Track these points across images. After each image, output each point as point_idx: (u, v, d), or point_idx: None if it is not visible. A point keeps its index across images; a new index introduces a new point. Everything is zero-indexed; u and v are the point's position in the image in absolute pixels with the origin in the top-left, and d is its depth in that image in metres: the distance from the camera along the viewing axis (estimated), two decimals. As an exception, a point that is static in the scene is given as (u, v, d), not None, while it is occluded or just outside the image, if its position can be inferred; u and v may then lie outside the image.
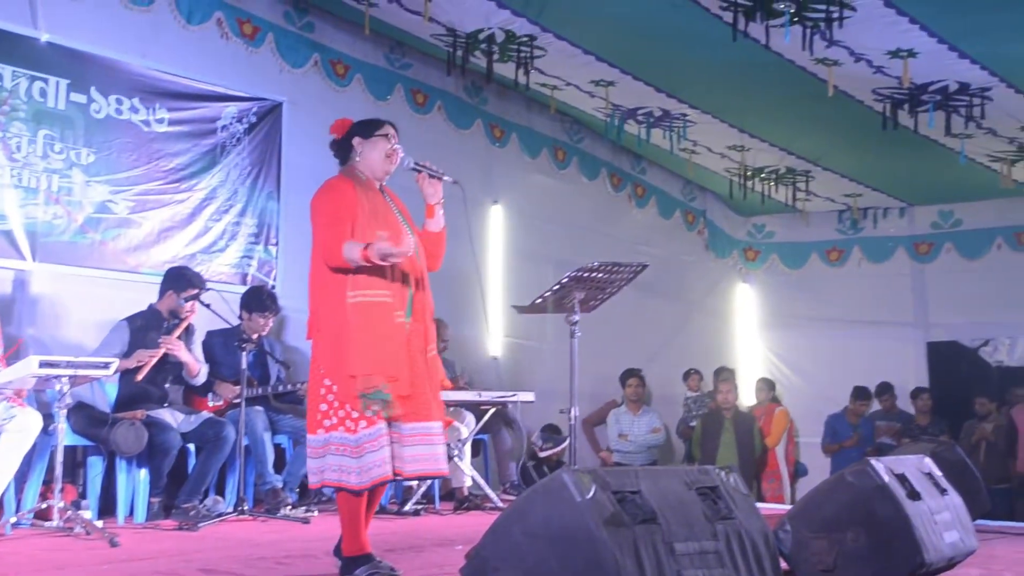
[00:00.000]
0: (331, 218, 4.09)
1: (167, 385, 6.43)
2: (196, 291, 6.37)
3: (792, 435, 10.69)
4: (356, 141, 4.28)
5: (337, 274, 4.05)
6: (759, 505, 4.05)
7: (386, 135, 4.29)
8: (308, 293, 4.19)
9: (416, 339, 4.15)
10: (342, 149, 4.34)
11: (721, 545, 3.52)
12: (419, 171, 4.33)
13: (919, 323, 11.90)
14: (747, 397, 11.05)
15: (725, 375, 10.50)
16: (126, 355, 6.13)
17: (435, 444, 4.12)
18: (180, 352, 6.30)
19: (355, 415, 3.98)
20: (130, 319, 6.32)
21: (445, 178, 4.35)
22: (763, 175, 10.96)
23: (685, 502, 3.58)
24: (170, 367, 6.36)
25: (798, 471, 10.77)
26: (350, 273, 4.03)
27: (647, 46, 8.00)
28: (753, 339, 12.76)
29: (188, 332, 6.48)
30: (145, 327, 6.31)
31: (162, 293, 6.46)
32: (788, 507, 5.86)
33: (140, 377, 6.10)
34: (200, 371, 6.47)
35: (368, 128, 4.30)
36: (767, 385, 11.01)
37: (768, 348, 12.62)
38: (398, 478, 4.11)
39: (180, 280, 6.41)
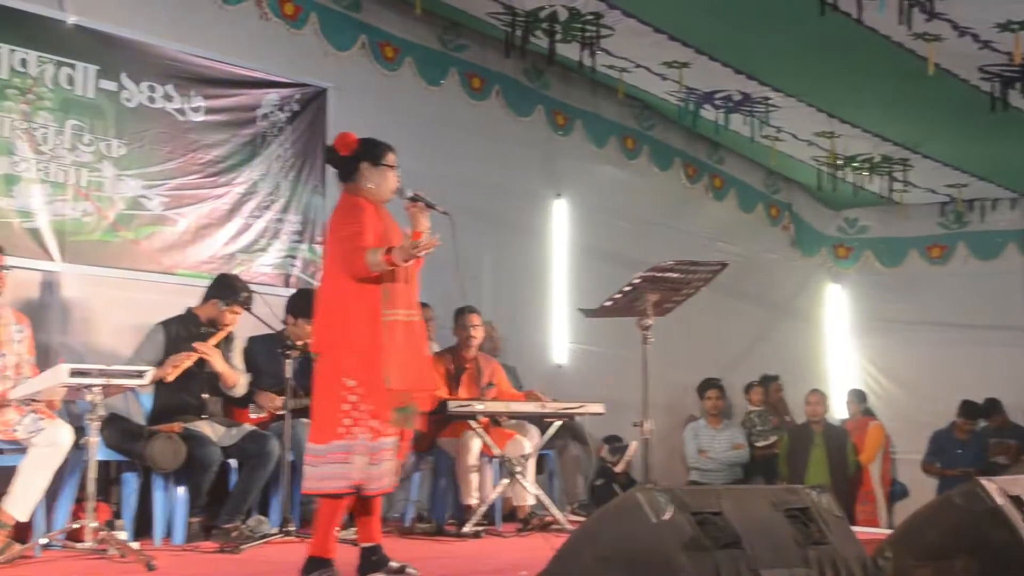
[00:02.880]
0: (355, 230, 4.60)
1: (205, 396, 6.48)
2: (241, 303, 6.44)
3: (888, 452, 10.59)
4: (364, 166, 4.75)
5: (369, 291, 4.56)
6: (853, 529, 4.02)
7: (393, 165, 4.79)
8: (320, 306, 4.68)
9: None
10: (346, 167, 4.79)
11: (813, 573, 3.51)
12: (416, 200, 4.80)
13: (1032, 327, 11.73)
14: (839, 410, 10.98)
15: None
16: (161, 363, 6.21)
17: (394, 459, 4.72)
18: (215, 361, 6.35)
19: (373, 424, 4.52)
20: (165, 323, 6.40)
21: (438, 208, 4.80)
22: (855, 164, 10.86)
23: (772, 525, 3.58)
24: (206, 376, 6.41)
25: (895, 492, 10.66)
26: (382, 291, 4.56)
27: (725, 23, 7.96)
28: (845, 345, 12.65)
29: (227, 341, 6.53)
30: (182, 333, 6.39)
31: (205, 299, 6.54)
32: (886, 532, 5.80)
33: (170, 378, 6.17)
34: (238, 383, 6.52)
35: (377, 155, 4.78)
36: (858, 397, 10.93)
37: (862, 355, 12.49)
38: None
39: (227, 289, 6.48)
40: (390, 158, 4.79)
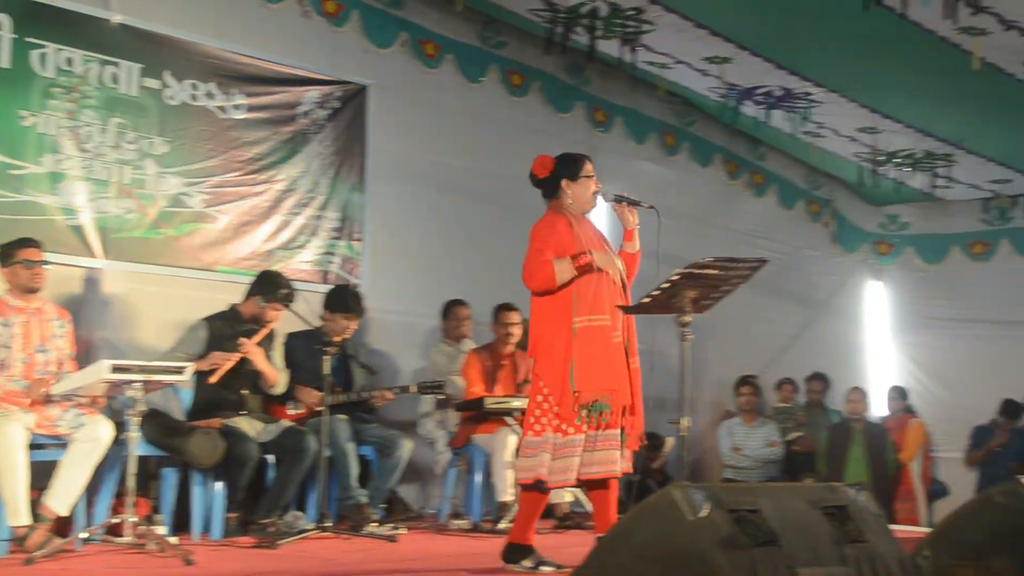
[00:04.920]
0: (541, 246, 4.83)
1: (244, 392, 6.51)
2: (282, 300, 6.45)
3: (929, 450, 10.47)
4: (565, 183, 4.98)
5: (562, 300, 4.80)
6: (892, 527, 3.97)
7: (591, 175, 5.00)
8: (531, 315, 4.97)
9: (627, 354, 4.95)
10: (547, 187, 5.03)
11: (851, 571, 3.46)
12: (621, 201, 5.04)
13: (1077, 325, 11.55)
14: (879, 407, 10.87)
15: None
16: (202, 357, 6.25)
17: (616, 448, 4.83)
18: (258, 360, 6.39)
19: (562, 426, 4.72)
20: (209, 319, 6.45)
21: (643, 205, 5.07)
22: (897, 160, 10.75)
23: (810, 523, 3.53)
24: (247, 373, 6.45)
25: (936, 490, 10.56)
26: (573, 299, 4.79)
27: (767, 18, 7.91)
28: (886, 343, 12.52)
29: (269, 339, 6.58)
30: (225, 329, 6.43)
31: (247, 296, 6.57)
32: (926, 530, 5.73)
33: (214, 380, 6.21)
34: (279, 380, 6.56)
35: (574, 170, 5.00)
36: (900, 394, 10.82)
37: (903, 353, 12.35)
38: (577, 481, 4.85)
39: (268, 286, 6.51)
40: (588, 168, 5.00)
